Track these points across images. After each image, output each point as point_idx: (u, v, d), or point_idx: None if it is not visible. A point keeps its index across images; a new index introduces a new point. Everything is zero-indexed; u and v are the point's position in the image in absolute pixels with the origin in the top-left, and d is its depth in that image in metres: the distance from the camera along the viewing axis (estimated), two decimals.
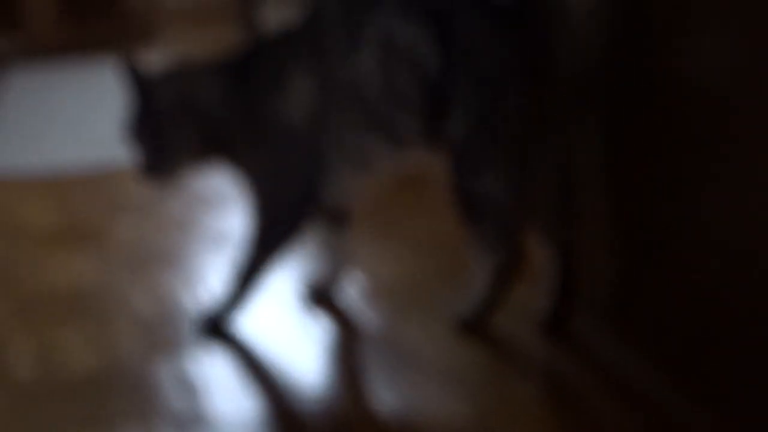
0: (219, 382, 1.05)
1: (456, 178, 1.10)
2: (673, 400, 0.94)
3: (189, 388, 1.03)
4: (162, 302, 1.29)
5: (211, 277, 1.35)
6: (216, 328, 1.15)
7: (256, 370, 1.10)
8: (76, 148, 2.00)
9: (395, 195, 1.67)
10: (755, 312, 0.80)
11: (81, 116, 2.20)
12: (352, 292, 1.29)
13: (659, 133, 0.98)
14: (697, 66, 0.90)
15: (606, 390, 1.01)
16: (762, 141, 0.77)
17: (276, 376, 1.08)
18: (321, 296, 1.24)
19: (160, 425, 0.95)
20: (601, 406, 0.98)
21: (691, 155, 0.91)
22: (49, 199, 1.76)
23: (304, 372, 1.08)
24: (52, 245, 1.51)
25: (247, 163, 1.17)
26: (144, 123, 1.12)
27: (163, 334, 1.19)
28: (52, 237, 1.55)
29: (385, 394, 1.01)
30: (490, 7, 1.07)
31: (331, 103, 1.12)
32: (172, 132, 1.13)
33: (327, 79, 1.12)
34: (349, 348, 1.14)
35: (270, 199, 1.17)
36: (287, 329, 1.19)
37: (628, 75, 1.04)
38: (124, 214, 1.66)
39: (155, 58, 2.59)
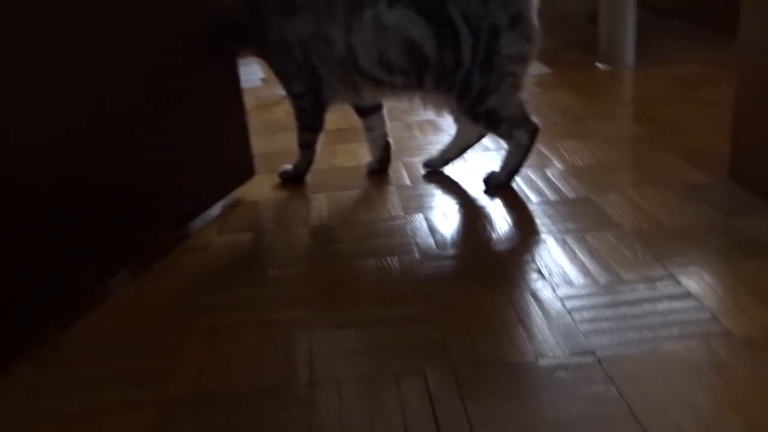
0: (446, 229, 1.26)
1: (466, 105, 1.34)
2: None
3: (430, 230, 1.26)
4: (403, 178, 1.54)
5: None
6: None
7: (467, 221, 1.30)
8: None
9: (589, 108, 1.82)
10: None
11: None
12: (555, 174, 1.47)
13: None
14: None
15: None
16: None
17: (471, 227, 1.26)
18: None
19: (413, 253, 1.17)
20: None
21: None
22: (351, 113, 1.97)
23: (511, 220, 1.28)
24: (339, 140, 1.81)
25: (269, 64, 1.44)
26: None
27: (414, 197, 1.43)
28: (339, 136, 1.85)
29: (575, 242, 1.17)
30: None
31: (328, 46, 1.35)
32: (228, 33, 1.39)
33: (324, 32, 1.34)
34: (546, 210, 1.31)
35: (285, 87, 1.46)
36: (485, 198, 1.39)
37: None
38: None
39: None
